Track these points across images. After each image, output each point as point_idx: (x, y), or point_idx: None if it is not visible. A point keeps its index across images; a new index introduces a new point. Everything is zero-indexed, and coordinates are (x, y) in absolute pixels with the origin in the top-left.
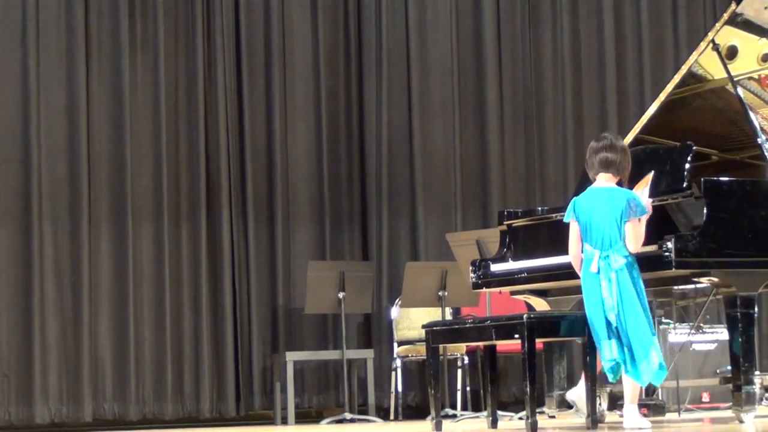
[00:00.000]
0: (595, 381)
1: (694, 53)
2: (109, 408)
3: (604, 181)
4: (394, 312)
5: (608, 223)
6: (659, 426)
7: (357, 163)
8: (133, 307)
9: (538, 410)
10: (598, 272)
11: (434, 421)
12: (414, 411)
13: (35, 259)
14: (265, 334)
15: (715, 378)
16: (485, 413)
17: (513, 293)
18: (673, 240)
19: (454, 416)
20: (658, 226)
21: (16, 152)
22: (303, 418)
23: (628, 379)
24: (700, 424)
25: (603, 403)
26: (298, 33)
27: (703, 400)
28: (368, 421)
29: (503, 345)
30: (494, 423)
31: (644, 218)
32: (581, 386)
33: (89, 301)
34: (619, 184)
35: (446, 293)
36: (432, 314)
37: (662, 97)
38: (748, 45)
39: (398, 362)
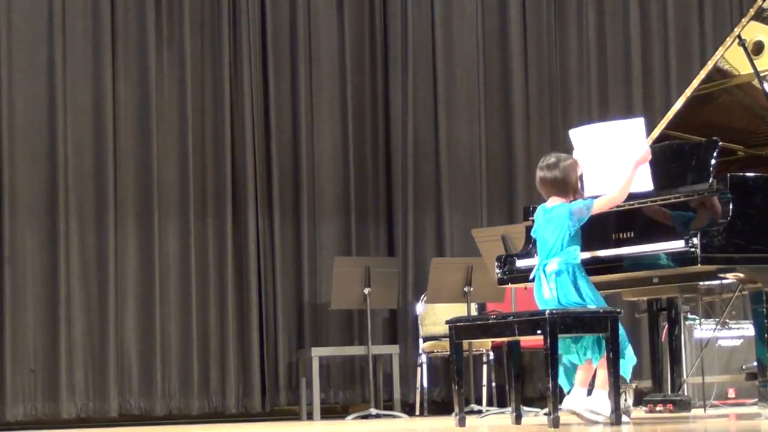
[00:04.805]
0: (619, 376)
1: (720, 48)
2: (135, 403)
3: (551, 200)
4: (420, 308)
5: (551, 237)
6: (685, 422)
7: (382, 158)
8: (159, 303)
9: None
10: (539, 279)
11: (458, 417)
12: (439, 406)
13: (61, 255)
14: (290, 329)
15: (740, 374)
16: (510, 409)
17: None
18: (699, 235)
19: (480, 412)
20: (684, 222)
21: (43, 148)
22: (328, 413)
23: (602, 366)
24: (726, 420)
25: (629, 399)
26: (324, 29)
27: (729, 395)
28: (394, 416)
29: (529, 340)
30: (518, 419)
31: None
32: (575, 392)
33: (115, 297)
34: (575, 192)
35: (471, 289)
36: (457, 310)
37: (688, 92)
38: None
39: (423, 358)
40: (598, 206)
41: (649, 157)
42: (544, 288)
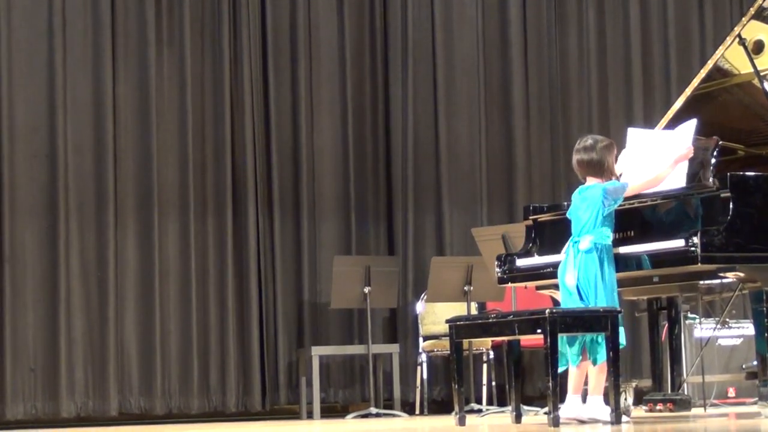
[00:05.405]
0: (619, 375)
1: (720, 48)
2: (135, 402)
3: (587, 181)
4: (420, 307)
5: (585, 215)
6: (685, 421)
7: (383, 157)
8: (159, 302)
9: (562, 405)
10: (567, 257)
11: (458, 416)
12: (439, 406)
13: (61, 254)
14: (290, 328)
15: (740, 373)
16: (510, 408)
17: (538, 288)
18: (699, 235)
19: (480, 411)
20: (684, 221)
21: (43, 147)
22: (328, 412)
23: (593, 370)
24: (726, 419)
25: (629, 398)
26: (324, 28)
27: (729, 395)
28: (394, 415)
29: (529, 339)
30: (518, 418)
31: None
32: (570, 401)
33: (115, 296)
34: (611, 174)
35: (471, 288)
36: (457, 309)
37: (688, 91)
38: None
39: (423, 357)
40: (633, 188)
41: (691, 154)
42: (569, 269)
